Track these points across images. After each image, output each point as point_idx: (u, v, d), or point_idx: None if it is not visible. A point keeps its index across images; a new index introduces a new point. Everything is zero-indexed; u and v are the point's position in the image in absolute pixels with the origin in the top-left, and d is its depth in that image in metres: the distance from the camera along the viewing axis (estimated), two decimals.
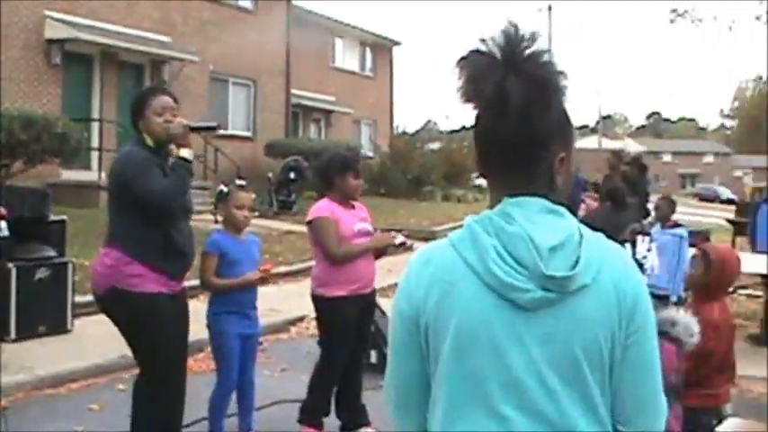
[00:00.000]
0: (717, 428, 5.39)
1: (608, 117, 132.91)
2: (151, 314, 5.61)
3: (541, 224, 2.11)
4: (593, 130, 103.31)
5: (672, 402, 3.80)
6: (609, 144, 79.40)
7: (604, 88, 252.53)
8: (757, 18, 22.54)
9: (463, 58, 2.16)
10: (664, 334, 3.46)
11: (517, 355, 2.06)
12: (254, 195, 7.49)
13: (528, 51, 2.12)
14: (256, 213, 18.44)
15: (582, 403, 2.07)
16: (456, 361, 2.10)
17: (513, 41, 2.12)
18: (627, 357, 2.11)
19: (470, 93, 2.15)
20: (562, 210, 2.18)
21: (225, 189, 6.92)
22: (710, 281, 5.71)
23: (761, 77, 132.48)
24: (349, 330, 7.11)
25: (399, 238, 7.32)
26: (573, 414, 2.06)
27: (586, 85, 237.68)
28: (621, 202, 10.43)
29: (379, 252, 7.30)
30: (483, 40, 2.15)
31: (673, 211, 12.14)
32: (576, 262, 2.06)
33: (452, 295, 2.11)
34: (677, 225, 12.02)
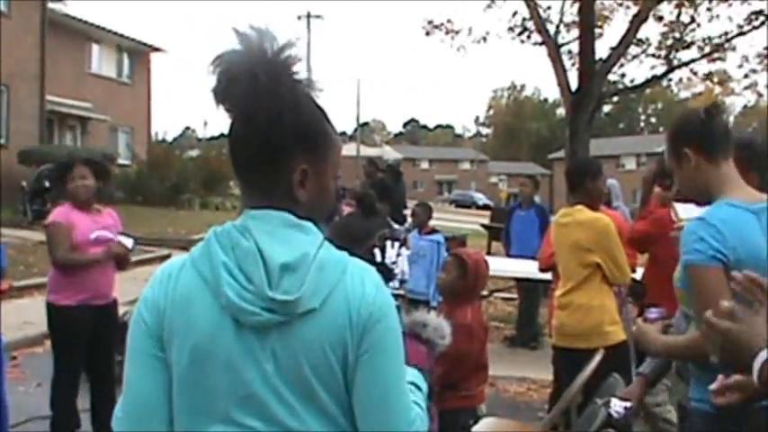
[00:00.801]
0: (473, 428, 5.56)
1: (366, 124, 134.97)
2: None
3: (279, 240, 2.09)
4: (352, 138, 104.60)
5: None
6: (367, 151, 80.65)
7: (363, 96, 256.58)
8: (510, 29, 23.41)
9: (217, 58, 2.12)
10: (415, 336, 3.51)
11: (253, 371, 2.06)
12: None
13: (278, 57, 2.10)
14: None
15: (321, 417, 2.08)
16: (195, 376, 2.08)
17: (265, 45, 2.10)
18: (362, 374, 2.09)
19: (220, 94, 2.13)
20: (307, 225, 2.15)
21: None
22: (464, 285, 5.85)
23: (515, 86, 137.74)
24: (79, 342, 6.94)
25: (129, 243, 7.09)
26: (314, 426, 2.07)
27: (345, 93, 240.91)
28: (371, 207, 10.56)
29: (120, 262, 7.10)
30: (240, 40, 2.12)
31: (429, 217, 12.41)
32: (303, 285, 2.04)
33: (189, 312, 2.09)
34: (434, 231, 12.31)
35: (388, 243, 9.46)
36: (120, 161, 36.91)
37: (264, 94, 2.08)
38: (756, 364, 2.26)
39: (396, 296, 8.35)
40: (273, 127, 2.10)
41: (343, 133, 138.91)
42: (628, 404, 4.24)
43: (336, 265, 2.11)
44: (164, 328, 2.12)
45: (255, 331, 2.05)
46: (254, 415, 2.06)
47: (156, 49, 45.75)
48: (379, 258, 8.62)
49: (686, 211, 4.25)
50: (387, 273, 9.30)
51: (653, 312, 4.02)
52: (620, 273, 6.59)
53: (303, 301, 2.03)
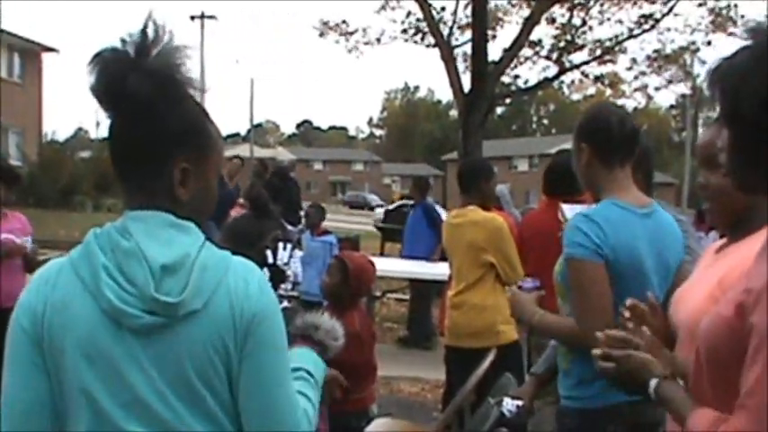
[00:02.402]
0: (366, 429, 5.53)
1: (259, 125, 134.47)
2: None
3: (159, 240, 2.04)
4: (245, 139, 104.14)
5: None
6: (261, 152, 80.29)
7: (256, 97, 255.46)
8: (404, 31, 23.47)
9: (96, 55, 2.06)
10: (307, 338, 3.46)
11: (137, 375, 2.00)
12: None
13: (160, 56, 2.05)
14: None
15: (207, 421, 2.05)
16: (77, 381, 2.01)
17: (147, 44, 2.05)
18: (246, 374, 2.07)
19: (99, 93, 2.06)
20: (188, 225, 2.11)
21: None
22: (347, 289, 5.79)
23: (408, 87, 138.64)
24: None
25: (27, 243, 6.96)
26: (200, 429, 2.03)
27: (239, 94, 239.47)
28: (264, 209, 10.50)
29: (28, 263, 6.93)
30: (122, 39, 2.06)
31: (322, 219, 12.36)
32: (185, 286, 2.00)
33: (69, 316, 2.02)
34: (327, 232, 12.26)
35: (281, 245, 9.41)
36: (11, 163, 36.09)
37: (144, 93, 2.02)
38: (652, 393, 2.40)
39: (288, 298, 8.29)
40: (154, 126, 2.06)
41: (237, 134, 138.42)
42: (520, 403, 4.25)
43: (218, 265, 2.07)
44: (43, 334, 2.04)
45: (137, 334, 2.00)
46: (138, 419, 2.01)
47: (48, 49, 44.99)
48: (271, 260, 8.56)
49: (573, 212, 4.28)
50: (279, 274, 9.24)
51: (528, 282, 4.06)
52: (513, 272, 6.62)
53: (185, 302, 1.99)
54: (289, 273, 9.91)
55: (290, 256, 9.99)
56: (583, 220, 3.59)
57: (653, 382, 2.40)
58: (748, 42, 2.12)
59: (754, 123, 2.06)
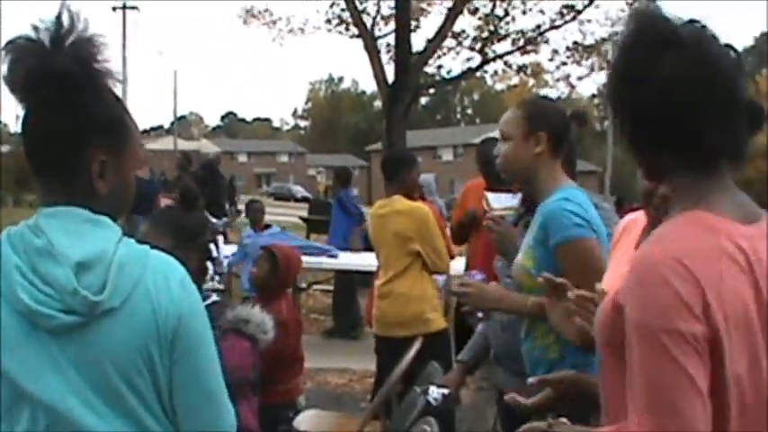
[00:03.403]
0: (294, 421, 5.53)
1: (183, 118, 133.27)
2: None
3: (74, 236, 1.98)
4: (169, 131, 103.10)
5: (248, 397, 3.83)
6: (185, 145, 79.57)
7: (180, 88, 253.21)
8: (328, 21, 23.42)
9: (8, 44, 2.00)
10: (237, 332, 3.45)
11: (54, 377, 1.94)
12: None
13: (75, 46, 1.99)
14: None
15: (130, 421, 2.00)
16: None
17: (60, 30, 1.99)
18: (180, 376, 2.04)
19: (12, 83, 2.00)
20: (104, 220, 2.05)
21: None
22: (276, 279, 5.82)
23: (333, 78, 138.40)
24: None
25: None
26: (123, 430, 1.98)
27: (162, 86, 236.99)
28: (194, 202, 10.40)
29: None
30: (35, 27, 2.00)
31: (263, 213, 12.27)
32: (104, 284, 1.95)
33: None
34: (268, 226, 12.16)
35: (219, 237, 9.37)
36: None
37: (59, 83, 1.97)
38: None
39: (216, 291, 8.27)
40: (71, 116, 2.00)
41: (160, 127, 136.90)
42: (445, 391, 4.27)
43: (137, 261, 2.02)
44: None
45: (55, 335, 1.93)
46: (58, 423, 1.95)
47: None
48: (215, 253, 8.51)
49: (498, 201, 4.30)
50: (219, 267, 9.21)
51: (477, 275, 4.04)
52: (440, 261, 6.67)
53: (103, 300, 1.93)
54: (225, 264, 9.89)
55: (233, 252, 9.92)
56: (568, 204, 3.59)
57: None
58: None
59: (624, 114, 2.11)
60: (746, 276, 1.96)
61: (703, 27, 2.08)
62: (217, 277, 9.21)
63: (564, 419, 2.44)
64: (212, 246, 8.51)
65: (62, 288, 1.91)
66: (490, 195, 4.40)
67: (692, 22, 2.09)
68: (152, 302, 1.99)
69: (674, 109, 2.02)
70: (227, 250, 11.89)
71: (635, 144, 2.14)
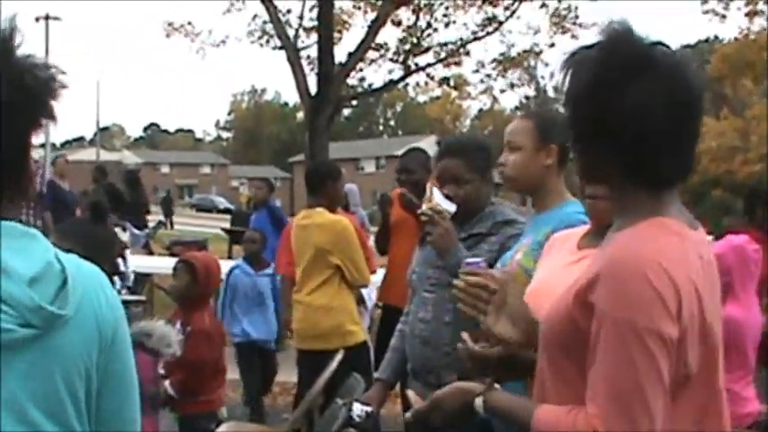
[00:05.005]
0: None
1: (106, 128, 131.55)
2: None
3: (19, 251, 1.93)
4: (92, 142, 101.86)
5: (148, 413, 3.80)
6: (107, 156, 78.76)
7: (102, 99, 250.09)
8: (250, 33, 23.35)
9: None
10: (139, 345, 3.42)
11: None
12: None
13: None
14: None
15: (64, 430, 1.96)
16: None
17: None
18: (108, 385, 2.03)
19: None
20: (36, 232, 2.01)
21: None
22: (197, 289, 5.80)
23: (255, 90, 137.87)
24: None
25: None
26: None
27: (84, 97, 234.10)
28: (103, 215, 10.27)
29: None
30: None
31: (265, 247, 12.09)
32: (57, 294, 1.92)
33: None
34: (268, 264, 11.95)
35: (127, 252, 9.24)
36: None
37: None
38: (481, 412, 2.45)
39: (140, 302, 8.16)
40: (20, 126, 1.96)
41: (81, 138, 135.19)
42: (369, 409, 4.27)
43: (77, 271, 2.00)
44: None
45: (5, 349, 1.87)
46: None
47: None
48: (122, 268, 8.40)
49: (441, 199, 4.24)
50: (125, 281, 9.09)
51: (480, 262, 3.89)
52: (359, 274, 6.68)
53: (63, 309, 1.91)
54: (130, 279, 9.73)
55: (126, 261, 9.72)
56: (583, 217, 3.42)
57: (478, 402, 2.42)
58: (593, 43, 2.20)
59: (584, 120, 2.16)
60: (703, 278, 2.07)
61: (673, 52, 2.16)
62: (124, 290, 9.02)
63: (497, 386, 2.47)
64: (120, 260, 8.42)
65: (22, 306, 1.87)
66: (435, 191, 4.33)
67: (660, 44, 2.16)
68: (94, 310, 1.99)
69: (642, 134, 2.08)
70: (150, 261, 11.75)
71: (587, 154, 2.20)
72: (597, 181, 2.31)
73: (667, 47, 2.17)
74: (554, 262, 3.13)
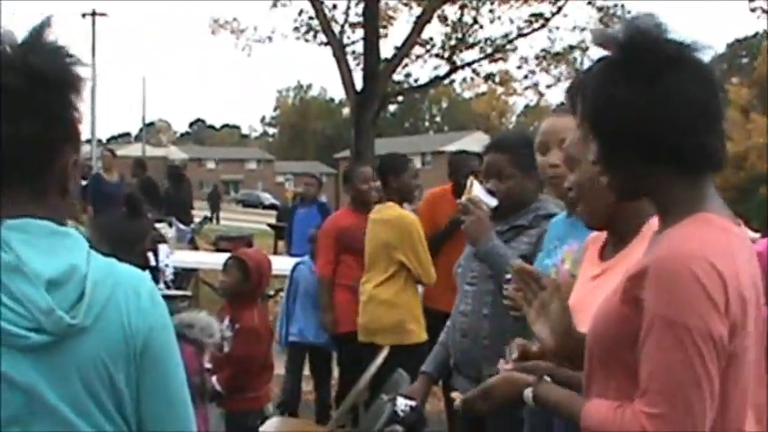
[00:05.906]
0: (261, 428, 5.52)
1: (152, 124, 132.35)
2: None
3: (42, 251, 1.90)
4: (137, 138, 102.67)
5: (197, 404, 3.81)
6: (153, 152, 79.28)
7: (148, 95, 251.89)
8: (296, 29, 23.41)
9: None
10: (182, 337, 3.42)
11: (19, 393, 1.87)
12: None
13: (32, 42, 1.93)
14: None
15: None
16: None
17: (29, 34, 1.93)
18: (147, 393, 2.00)
19: None
20: (70, 231, 1.98)
21: None
22: (248, 287, 5.76)
23: (301, 86, 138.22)
24: None
25: None
26: None
27: (131, 92, 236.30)
28: (136, 209, 10.32)
29: None
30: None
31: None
32: (76, 301, 1.89)
33: None
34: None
35: (160, 246, 9.25)
36: None
37: (29, 85, 1.89)
38: (531, 403, 2.49)
39: (185, 297, 8.22)
40: (45, 124, 1.92)
41: (128, 134, 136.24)
42: (413, 403, 4.25)
43: (107, 277, 1.96)
44: None
45: (22, 352, 1.86)
46: None
47: None
48: (153, 262, 8.41)
49: (481, 192, 4.22)
50: (157, 275, 9.11)
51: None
52: (423, 272, 6.62)
53: (78, 323, 1.88)
54: (168, 273, 9.73)
55: (168, 256, 9.73)
56: None
57: (527, 393, 2.44)
58: (605, 54, 2.20)
59: (616, 131, 2.14)
60: (750, 273, 2.07)
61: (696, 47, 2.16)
62: (161, 285, 9.00)
63: (548, 378, 2.48)
64: (151, 254, 8.42)
65: (35, 307, 1.85)
66: (476, 184, 4.30)
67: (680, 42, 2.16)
68: (122, 317, 1.95)
69: (678, 124, 2.10)
70: (196, 256, 11.74)
71: (618, 160, 2.18)
72: (632, 194, 2.28)
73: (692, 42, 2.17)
74: (583, 275, 3.09)
